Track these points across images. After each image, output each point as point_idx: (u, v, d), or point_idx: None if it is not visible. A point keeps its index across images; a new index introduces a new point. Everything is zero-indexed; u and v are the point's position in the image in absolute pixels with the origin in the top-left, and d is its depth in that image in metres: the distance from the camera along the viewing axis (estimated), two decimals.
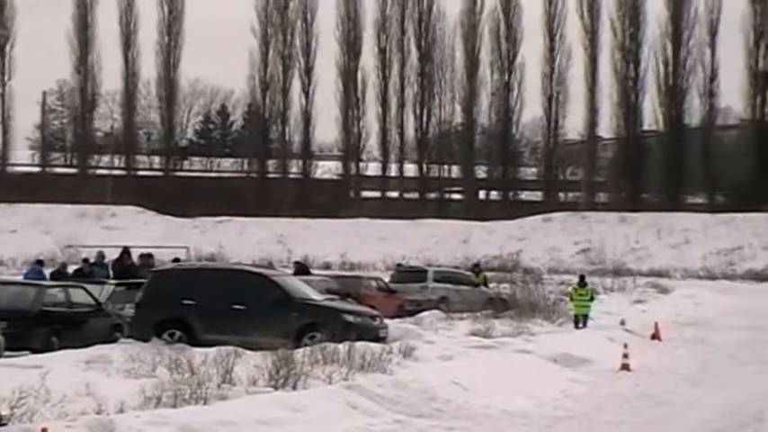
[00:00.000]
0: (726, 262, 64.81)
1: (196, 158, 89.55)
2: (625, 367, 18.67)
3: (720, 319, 32.15)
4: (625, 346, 19.43)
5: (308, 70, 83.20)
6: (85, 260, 30.37)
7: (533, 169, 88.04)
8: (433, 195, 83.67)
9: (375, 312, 21.81)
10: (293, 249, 64.26)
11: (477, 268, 37.59)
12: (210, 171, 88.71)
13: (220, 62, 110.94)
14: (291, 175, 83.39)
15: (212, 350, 16.06)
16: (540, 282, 35.57)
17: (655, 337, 24.61)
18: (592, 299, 27.03)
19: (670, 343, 24.11)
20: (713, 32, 77.97)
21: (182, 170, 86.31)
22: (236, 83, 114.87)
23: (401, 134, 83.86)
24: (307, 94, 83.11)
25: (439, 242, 69.94)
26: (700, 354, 22.24)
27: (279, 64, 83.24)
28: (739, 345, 24.38)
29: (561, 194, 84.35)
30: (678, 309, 34.36)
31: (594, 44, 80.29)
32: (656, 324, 25.24)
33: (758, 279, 59.33)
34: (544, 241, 70.73)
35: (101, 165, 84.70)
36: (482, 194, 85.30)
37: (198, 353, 16.03)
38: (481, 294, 33.47)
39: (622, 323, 26.31)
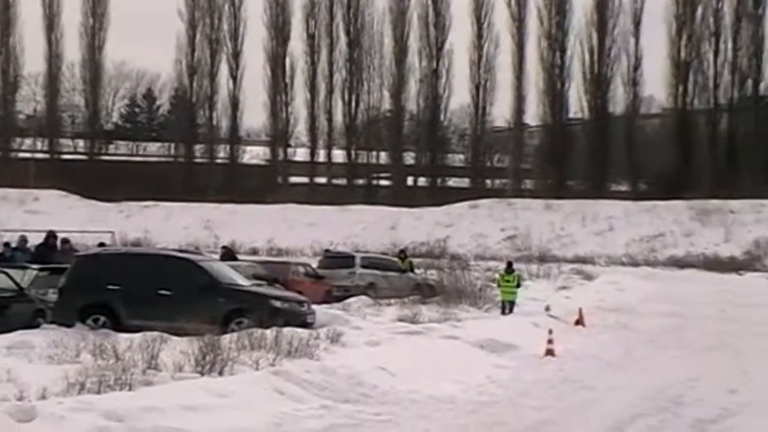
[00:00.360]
0: (648, 249, 65.90)
1: (122, 142, 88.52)
2: (550, 353, 18.89)
3: (643, 305, 32.62)
4: (550, 331, 19.64)
5: (236, 55, 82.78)
6: (6, 244, 29.75)
7: (461, 156, 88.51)
8: (361, 181, 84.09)
9: (302, 298, 21.71)
10: (220, 235, 63.99)
11: (403, 254, 37.71)
12: (136, 155, 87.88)
13: (147, 45, 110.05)
14: (219, 161, 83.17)
15: (138, 336, 15.93)
16: (466, 268, 35.88)
17: (579, 322, 24.91)
18: (518, 285, 27.27)
19: (594, 329, 24.41)
20: (637, 22, 79.23)
21: (107, 154, 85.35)
22: (163, 66, 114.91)
23: (329, 120, 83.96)
24: (234, 78, 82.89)
25: (367, 228, 70.07)
26: (622, 339, 22.56)
27: (206, 48, 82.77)
28: (661, 330, 24.79)
29: (488, 181, 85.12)
30: (602, 295, 34.81)
31: (521, 32, 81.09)
32: (580, 310, 25.56)
33: (679, 265, 60.47)
34: (471, 228, 71.22)
35: (23, 148, 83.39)
36: (410, 181, 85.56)
37: (123, 338, 15.86)
38: (408, 280, 33.57)
39: (547, 309, 26.56)
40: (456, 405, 13.46)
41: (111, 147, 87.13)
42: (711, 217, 67.84)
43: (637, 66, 78.94)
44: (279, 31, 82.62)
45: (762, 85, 76.92)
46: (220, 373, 13.42)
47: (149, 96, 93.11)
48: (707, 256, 61.56)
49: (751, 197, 67.43)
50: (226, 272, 21.70)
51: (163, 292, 19.96)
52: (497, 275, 28.90)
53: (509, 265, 28.32)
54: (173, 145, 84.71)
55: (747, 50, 76.77)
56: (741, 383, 15.78)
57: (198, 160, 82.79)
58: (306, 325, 19.33)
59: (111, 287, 20.17)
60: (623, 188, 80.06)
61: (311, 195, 77.41)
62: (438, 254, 56.72)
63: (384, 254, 44.08)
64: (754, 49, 76.51)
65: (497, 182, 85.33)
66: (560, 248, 66.28)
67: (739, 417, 12.99)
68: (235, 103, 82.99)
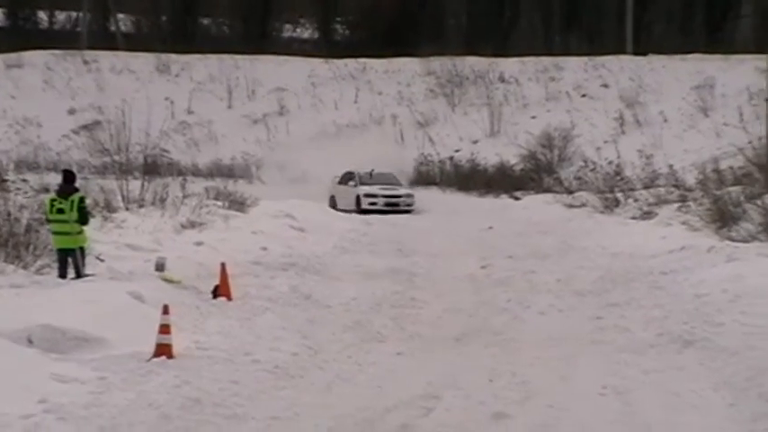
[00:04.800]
0: None
1: None
2: (164, 352, 18.95)
3: (343, 255, 34.43)
4: (165, 310, 19.48)
5: None
6: None
7: None
8: None
9: None
10: None
11: None
12: None
13: None
14: None
15: None
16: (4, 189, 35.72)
17: (220, 292, 25.12)
18: (85, 219, 26.17)
19: (247, 303, 24.87)
20: None
21: None
22: None
23: None
24: None
25: None
26: (300, 322, 22.86)
27: None
28: (374, 304, 25.80)
29: None
30: (263, 238, 36.36)
31: None
32: (222, 268, 25.56)
33: None
34: None
35: None
36: None
37: None
38: None
39: (160, 268, 26.41)
40: None
41: None
42: None
43: None
44: None
45: None
46: None
47: None
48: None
49: None
50: None
51: None
52: (45, 201, 28.49)
53: (67, 176, 27.55)
54: None
55: None
56: (513, 402, 16.39)
57: None
58: None
59: None
60: None
61: None
62: None
63: None
64: None
65: None
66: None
67: None
68: None
